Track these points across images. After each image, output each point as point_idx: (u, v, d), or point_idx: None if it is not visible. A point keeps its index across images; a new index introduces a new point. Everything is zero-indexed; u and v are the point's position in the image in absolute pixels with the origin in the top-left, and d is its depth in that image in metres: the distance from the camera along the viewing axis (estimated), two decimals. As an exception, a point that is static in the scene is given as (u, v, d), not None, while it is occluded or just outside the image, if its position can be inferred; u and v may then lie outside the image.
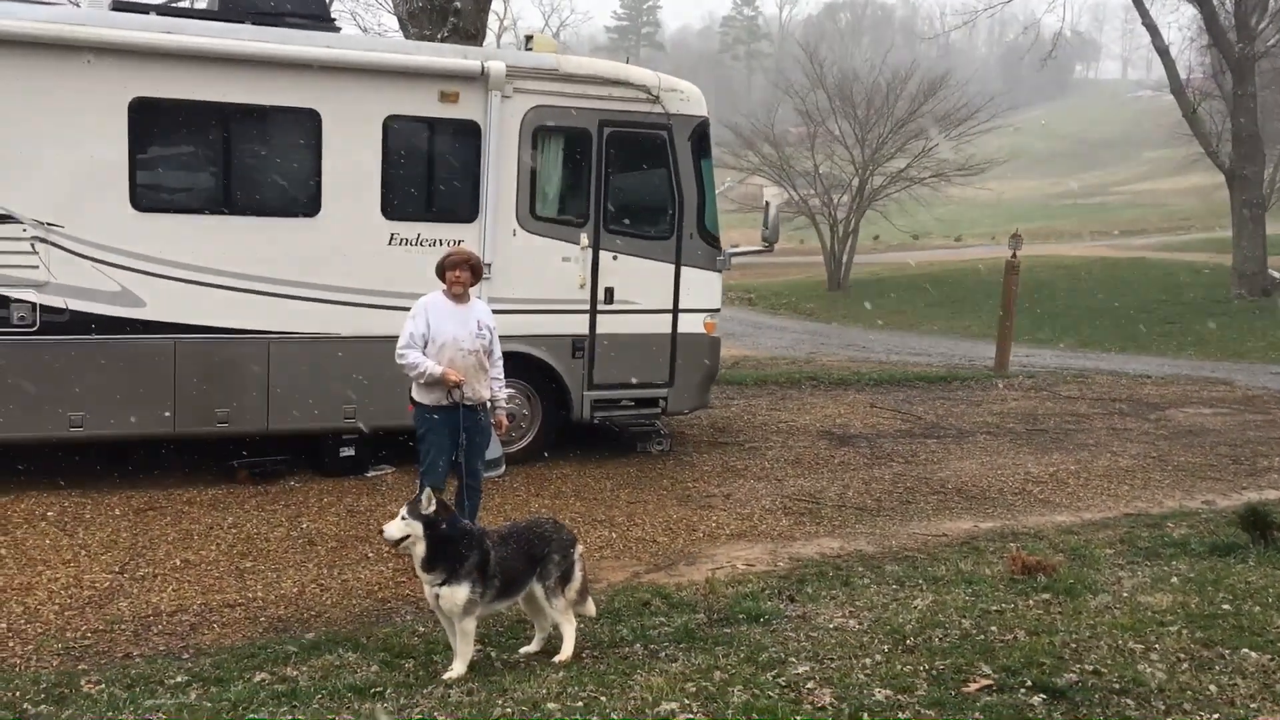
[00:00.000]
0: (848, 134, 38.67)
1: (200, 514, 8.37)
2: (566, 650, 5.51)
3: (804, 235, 45.00)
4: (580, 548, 5.89)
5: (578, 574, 5.71)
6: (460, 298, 7.18)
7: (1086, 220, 61.84)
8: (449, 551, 5.34)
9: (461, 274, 7.12)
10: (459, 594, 5.30)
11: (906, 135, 37.47)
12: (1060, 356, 21.90)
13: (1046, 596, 6.36)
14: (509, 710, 4.61)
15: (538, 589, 5.61)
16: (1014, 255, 17.69)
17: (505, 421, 7.57)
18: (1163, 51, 30.95)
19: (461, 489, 7.27)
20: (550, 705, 4.65)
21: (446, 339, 7.01)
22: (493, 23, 53.26)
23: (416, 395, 7.21)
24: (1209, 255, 36.69)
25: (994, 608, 6.09)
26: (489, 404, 7.35)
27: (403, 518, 5.33)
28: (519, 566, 5.56)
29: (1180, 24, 57.01)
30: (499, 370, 7.41)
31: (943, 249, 51.82)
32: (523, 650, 5.72)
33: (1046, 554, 7.46)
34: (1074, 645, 5.36)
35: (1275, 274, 30.06)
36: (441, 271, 7.19)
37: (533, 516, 6.86)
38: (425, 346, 7.02)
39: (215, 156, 8.88)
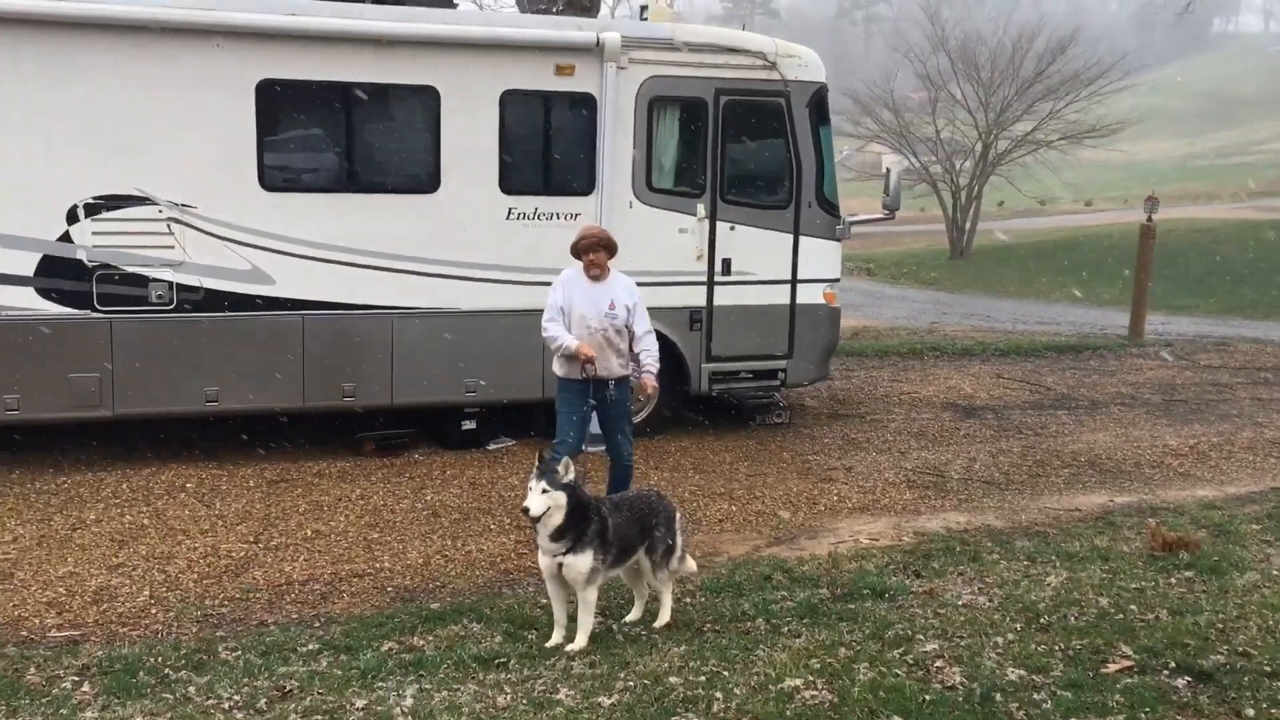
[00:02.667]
0: (970, 97, 37.49)
1: (329, 486, 8.59)
2: (664, 616, 5.66)
3: (925, 203, 43.99)
4: (680, 516, 5.91)
5: (680, 544, 5.77)
6: (597, 276, 7.17)
7: (1225, 181, 58.95)
8: (577, 520, 5.35)
9: (597, 256, 7.13)
10: (583, 562, 5.32)
11: (1033, 97, 36.18)
12: (1199, 324, 20.97)
13: (1189, 574, 6.09)
14: (631, 684, 4.61)
15: (644, 560, 5.63)
16: (1149, 219, 16.96)
17: (649, 385, 7.26)
18: (1311, 0, 29.24)
19: (612, 465, 7.43)
20: (673, 679, 4.63)
21: (575, 315, 7.11)
22: (608, -3, 53.27)
23: (555, 366, 7.36)
24: (1361, 215, 34.65)
25: (1133, 585, 5.86)
26: (633, 373, 7.28)
27: (544, 490, 5.26)
28: (631, 535, 5.58)
29: (1330, -30, 53.59)
30: (646, 343, 7.24)
31: (1072, 214, 50.07)
32: (626, 619, 5.72)
33: (1188, 530, 7.15)
34: (1220, 625, 5.12)
35: None
36: (577, 252, 7.21)
37: (638, 489, 6.85)
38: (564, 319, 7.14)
39: (338, 135, 9.04)
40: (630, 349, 7.24)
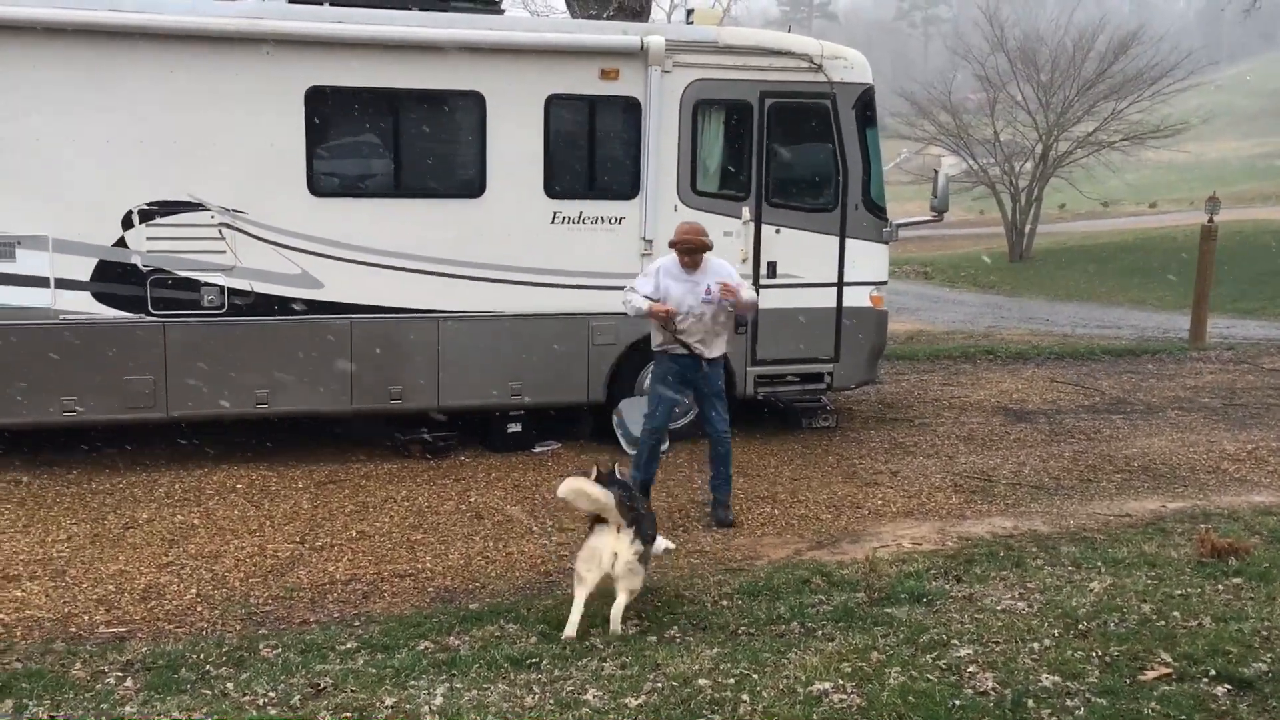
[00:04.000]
0: (1030, 99, 36.99)
1: (376, 487, 8.69)
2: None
3: (984, 205, 43.47)
4: None
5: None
6: (691, 268, 7.72)
7: (1296, 181, 57.49)
8: (633, 513, 5.62)
9: (692, 258, 7.69)
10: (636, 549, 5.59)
11: (1094, 97, 35.58)
12: (1266, 327, 20.48)
13: (1238, 581, 5.96)
14: (660, 685, 4.61)
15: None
16: (1210, 220, 16.62)
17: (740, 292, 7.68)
18: (1384, -6, 28.46)
19: (711, 442, 7.98)
20: (702, 681, 4.63)
21: (673, 302, 7.65)
22: (665, 2, 53.41)
23: (654, 346, 7.92)
24: None
25: (1178, 592, 5.75)
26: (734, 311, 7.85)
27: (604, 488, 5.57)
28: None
29: (1406, -36, 52.08)
30: (745, 287, 7.81)
31: (1135, 216, 49.19)
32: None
33: (1240, 536, 6.99)
34: (1265, 633, 5.00)
35: None
36: (674, 247, 7.76)
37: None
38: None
39: (385, 141, 9.17)
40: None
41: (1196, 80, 36.84)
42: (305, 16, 8.68)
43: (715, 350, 7.85)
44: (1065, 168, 37.64)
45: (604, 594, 5.61)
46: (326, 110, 8.88)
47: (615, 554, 5.55)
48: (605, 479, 5.74)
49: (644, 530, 5.72)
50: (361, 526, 7.75)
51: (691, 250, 7.67)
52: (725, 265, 7.86)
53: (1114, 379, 13.53)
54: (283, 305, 8.91)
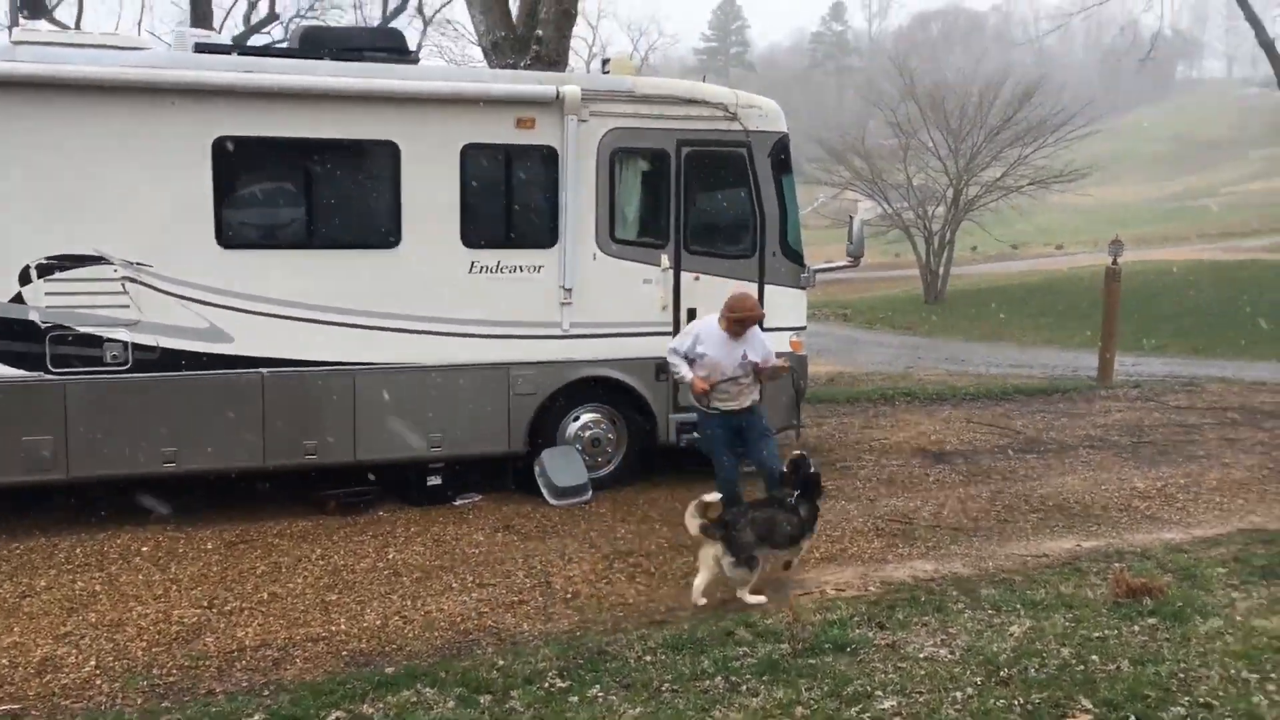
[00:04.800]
0: (940, 145, 37.98)
1: (289, 546, 8.45)
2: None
3: (899, 248, 44.33)
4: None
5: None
6: (736, 334, 8.10)
7: (1194, 223, 59.74)
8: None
9: (735, 328, 8.08)
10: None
11: (1001, 144, 36.65)
12: (1169, 364, 21.08)
13: (1153, 621, 6.03)
14: (581, 747, 4.49)
15: None
16: (1114, 262, 17.10)
17: (776, 360, 8.43)
18: (1268, 46, 29.69)
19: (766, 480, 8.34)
20: (625, 742, 4.52)
21: (711, 364, 8.11)
22: (582, 49, 53.87)
23: (695, 402, 8.45)
24: (1327, 255, 35.07)
25: (1096, 634, 5.79)
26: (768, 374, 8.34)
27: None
28: None
29: (1288, 16, 54.99)
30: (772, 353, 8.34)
31: (1043, 258, 50.54)
32: None
33: (1153, 574, 7.09)
34: (1182, 675, 5.06)
35: (1400, 272, 28.57)
36: (728, 317, 8.10)
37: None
38: (691, 362, 8.17)
39: (297, 191, 9.01)
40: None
41: (1097, 127, 38.19)
42: (212, 66, 8.52)
43: (748, 401, 8.27)
44: (975, 211, 38.66)
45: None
46: (235, 161, 8.70)
47: (716, 559, 7.02)
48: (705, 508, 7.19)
49: (734, 547, 7.04)
50: (273, 588, 7.51)
51: (745, 324, 8.06)
52: (763, 337, 8.29)
53: (1028, 418, 13.77)
54: (190, 360, 8.66)
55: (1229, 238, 51.03)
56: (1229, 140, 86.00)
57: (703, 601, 7.11)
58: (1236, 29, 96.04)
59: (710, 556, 7.09)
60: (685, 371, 8.18)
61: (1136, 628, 5.93)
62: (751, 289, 10.15)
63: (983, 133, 36.77)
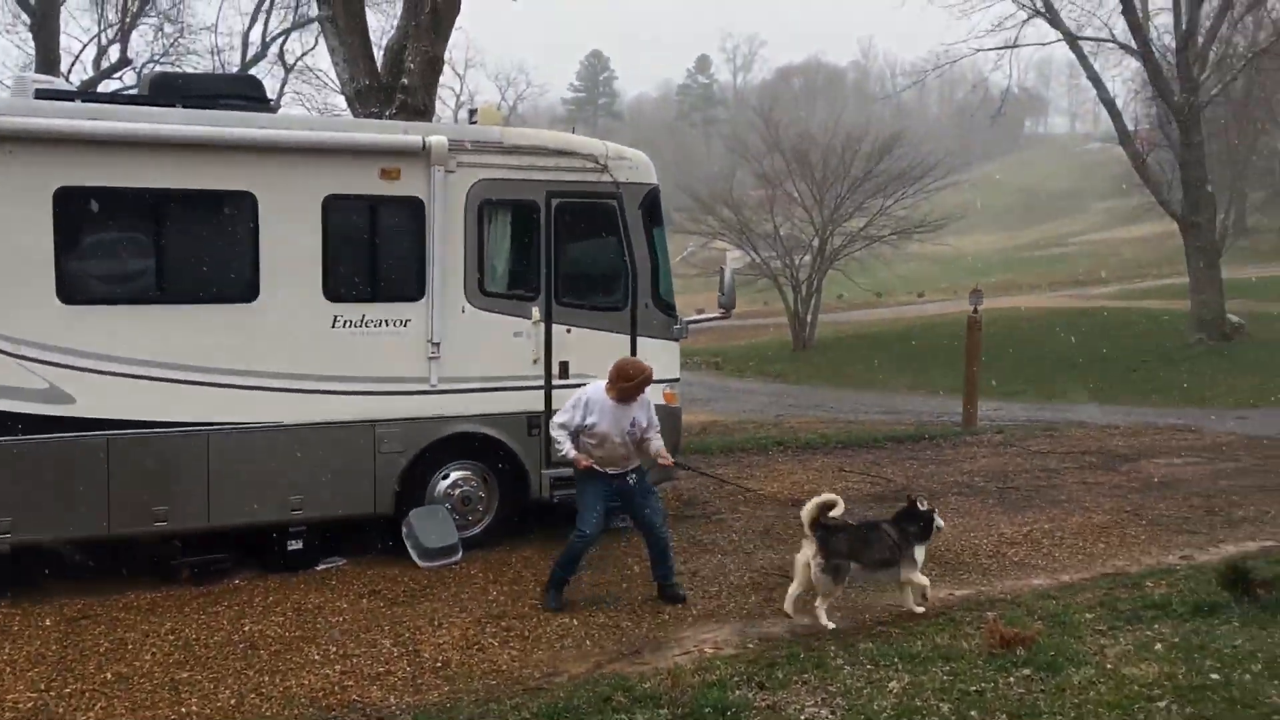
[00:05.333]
0: (806, 195, 38.88)
1: (137, 620, 7.91)
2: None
3: (768, 297, 45.05)
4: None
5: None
6: (626, 400, 8.07)
7: (1045, 272, 62.46)
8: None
9: (626, 395, 8.06)
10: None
11: (864, 195, 37.73)
12: (1028, 409, 21.75)
13: (1027, 672, 6.05)
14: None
15: None
16: (975, 311, 17.61)
17: (667, 455, 8.38)
18: (1108, 104, 31.44)
19: (647, 544, 8.46)
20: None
21: (601, 434, 8.05)
22: (450, 99, 53.62)
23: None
24: (1167, 302, 36.96)
25: (973, 688, 5.78)
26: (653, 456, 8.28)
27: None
28: None
29: (1125, 76, 58.61)
30: (655, 436, 8.27)
31: (907, 305, 52.06)
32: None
33: (1025, 623, 7.15)
34: (1059, 728, 5.04)
35: (1234, 318, 30.25)
36: (619, 383, 8.09)
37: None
38: (577, 433, 8.08)
39: (147, 244, 8.56)
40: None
41: (953, 179, 39.69)
42: (53, 113, 8.08)
43: (634, 464, 8.25)
44: (841, 260, 39.60)
45: None
46: (79, 212, 8.22)
47: (807, 562, 7.47)
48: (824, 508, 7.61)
49: (827, 551, 7.45)
50: (118, 667, 7.00)
51: (637, 389, 8.05)
52: (647, 403, 8.25)
53: (898, 465, 13.96)
54: (28, 424, 8.10)
55: (1077, 286, 53.46)
56: (1073, 193, 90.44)
57: (792, 615, 7.54)
58: (1078, 87, 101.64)
59: (802, 561, 7.53)
60: (570, 449, 8.06)
61: (1012, 679, 5.94)
62: (624, 340, 10.11)
63: (846, 184, 37.76)
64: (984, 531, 10.45)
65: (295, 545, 9.17)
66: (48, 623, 7.81)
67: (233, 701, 6.48)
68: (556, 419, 8.19)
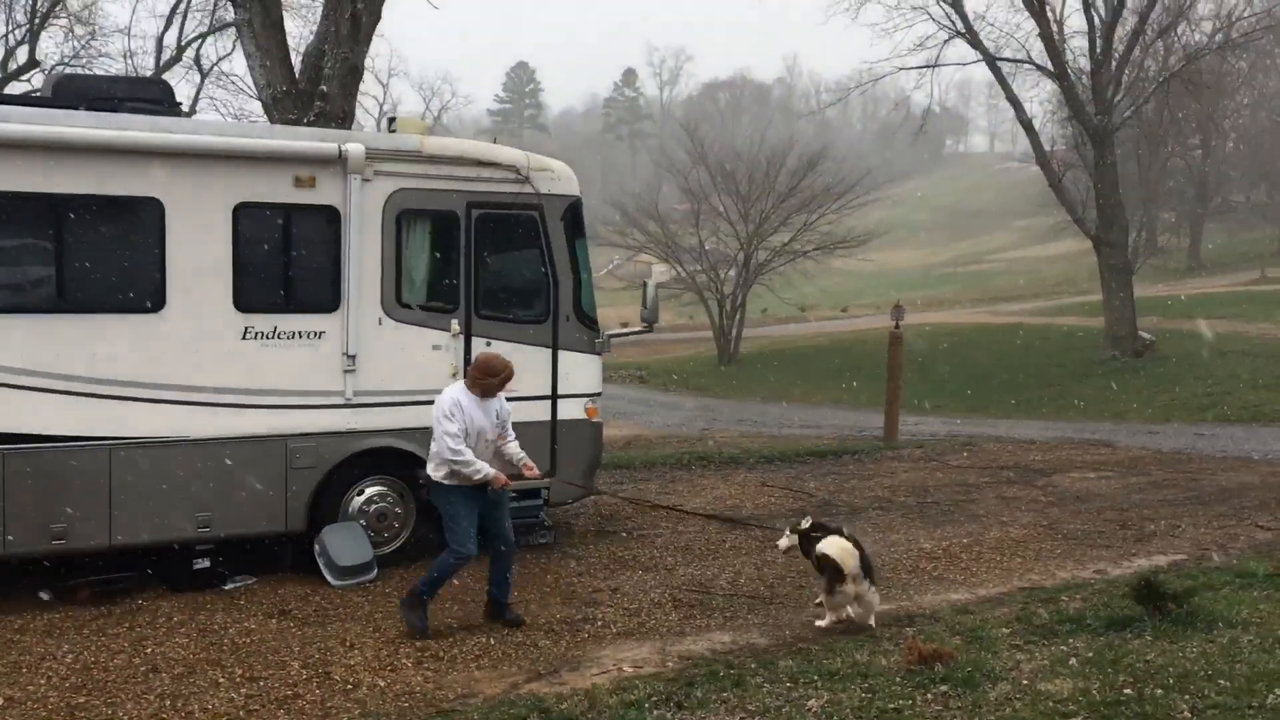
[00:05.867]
0: (731, 210, 39.12)
1: (33, 642, 7.56)
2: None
3: (693, 311, 45.21)
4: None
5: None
6: (485, 395, 7.83)
7: (965, 288, 63.64)
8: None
9: (489, 390, 7.82)
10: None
11: (788, 210, 38.06)
12: (948, 423, 22.06)
13: (945, 688, 6.04)
14: None
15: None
16: (896, 326, 17.79)
17: (533, 467, 8.22)
18: (1026, 125, 32.13)
19: (495, 557, 8.09)
20: None
21: (475, 432, 7.74)
22: (373, 107, 53.03)
23: (437, 473, 7.81)
24: (1082, 319, 37.82)
25: (891, 706, 5.75)
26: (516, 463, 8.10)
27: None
28: None
29: (1041, 98, 60.17)
30: (513, 435, 8.16)
31: (830, 320, 52.64)
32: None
33: (943, 638, 7.17)
34: (975, 747, 5.01)
35: (1146, 336, 31.04)
36: (478, 379, 7.83)
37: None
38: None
39: (46, 251, 8.22)
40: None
41: (875, 196, 40.23)
42: (-53, 113, 7.73)
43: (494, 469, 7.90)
44: (765, 275, 39.88)
45: None
46: (-27, 216, 7.88)
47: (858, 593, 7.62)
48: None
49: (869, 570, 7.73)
50: (10, 691, 6.67)
51: (499, 384, 7.83)
52: (502, 397, 8.05)
53: (820, 480, 14.00)
54: (-84, 437, 7.72)
55: (996, 301, 54.56)
56: (993, 210, 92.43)
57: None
58: (997, 108, 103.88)
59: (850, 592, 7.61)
60: (484, 469, 7.68)
61: (930, 695, 5.92)
62: (546, 354, 9.98)
63: (771, 199, 38.08)
64: (904, 546, 10.49)
65: (202, 564, 8.89)
66: (-65, 647, 7.44)
67: (130, 728, 6.20)
68: (449, 431, 7.58)
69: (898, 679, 6.30)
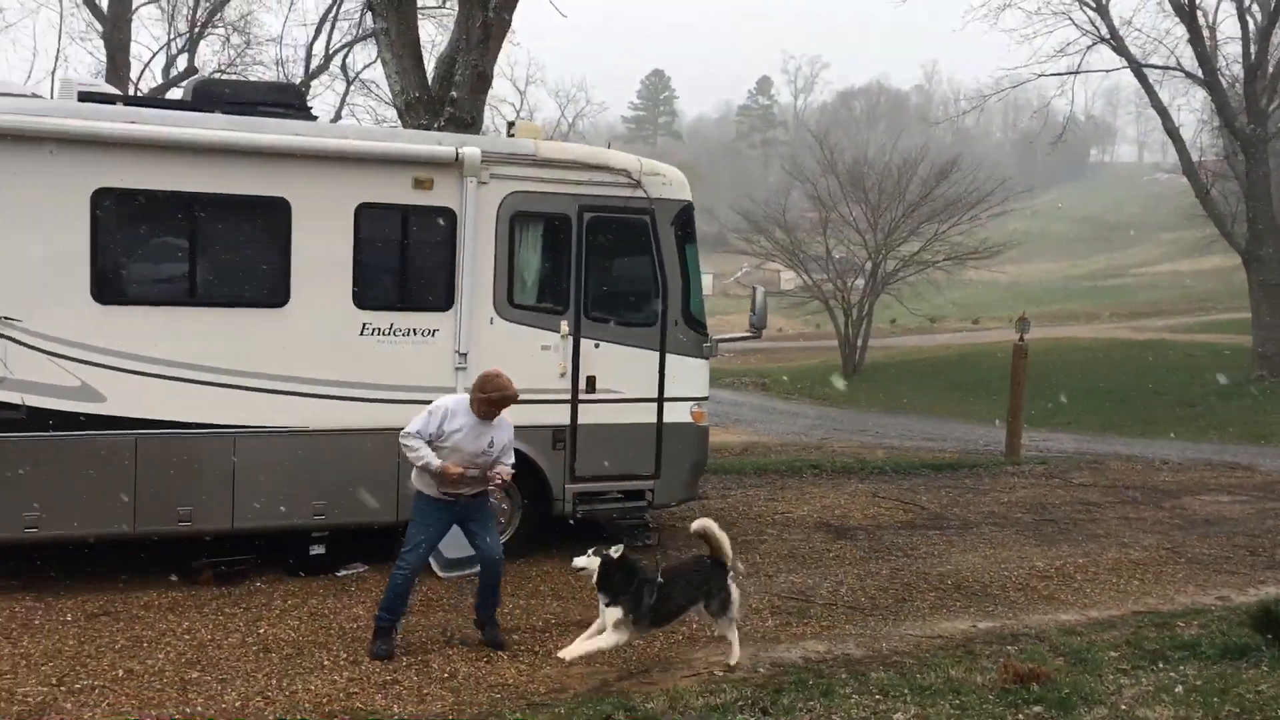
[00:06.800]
0: (860, 219, 38.63)
1: (155, 619, 7.98)
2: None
3: (819, 320, 44.80)
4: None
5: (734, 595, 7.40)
6: (488, 417, 7.43)
7: (1105, 302, 61.44)
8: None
9: (488, 410, 7.39)
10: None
11: (918, 219, 37.40)
12: (1077, 440, 21.37)
13: (1039, 709, 5.89)
14: None
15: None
16: (1021, 339, 17.33)
17: (506, 473, 7.62)
18: (1174, 134, 30.88)
19: (480, 573, 7.75)
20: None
21: (451, 446, 7.32)
22: (511, 115, 54.11)
23: (416, 482, 7.55)
24: (1229, 336, 36.15)
25: (979, 724, 5.62)
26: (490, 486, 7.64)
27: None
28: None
29: (1192, 106, 57.61)
30: (509, 459, 7.64)
31: (960, 332, 51.45)
32: None
33: (1045, 658, 6.99)
34: (1062, 770, 4.88)
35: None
36: (481, 399, 7.39)
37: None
38: (430, 443, 7.33)
39: (181, 247, 8.67)
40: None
41: (1011, 206, 39.16)
42: (94, 115, 8.22)
43: (477, 489, 7.55)
44: (894, 285, 39.24)
45: None
46: (116, 213, 8.36)
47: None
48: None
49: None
50: (131, 664, 7.05)
51: (498, 406, 7.38)
52: (508, 427, 7.58)
53: (933, 493, 13.74)
54: (59, 420, 8.22)
55: (1138, 317, 52.52)
56: (1139, 223, 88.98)
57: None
58: (1146, 116, 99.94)
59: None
60: (428, 455, 7.24)
61: (1021, 716, 5.77)
62: (653, 357, 10.06)
63: (901, 208, 37.47)
64: (1015, 563, 10.23)
65: (317, 550, 9.22)
66: (68, 618, 7.90)
67: (238, 704, 6.49)
68: (409, 427, 7.33)
69: (990, 697, 6.16)
